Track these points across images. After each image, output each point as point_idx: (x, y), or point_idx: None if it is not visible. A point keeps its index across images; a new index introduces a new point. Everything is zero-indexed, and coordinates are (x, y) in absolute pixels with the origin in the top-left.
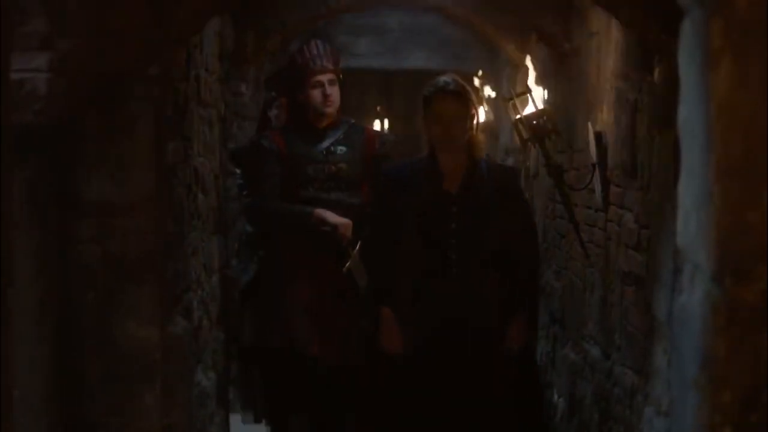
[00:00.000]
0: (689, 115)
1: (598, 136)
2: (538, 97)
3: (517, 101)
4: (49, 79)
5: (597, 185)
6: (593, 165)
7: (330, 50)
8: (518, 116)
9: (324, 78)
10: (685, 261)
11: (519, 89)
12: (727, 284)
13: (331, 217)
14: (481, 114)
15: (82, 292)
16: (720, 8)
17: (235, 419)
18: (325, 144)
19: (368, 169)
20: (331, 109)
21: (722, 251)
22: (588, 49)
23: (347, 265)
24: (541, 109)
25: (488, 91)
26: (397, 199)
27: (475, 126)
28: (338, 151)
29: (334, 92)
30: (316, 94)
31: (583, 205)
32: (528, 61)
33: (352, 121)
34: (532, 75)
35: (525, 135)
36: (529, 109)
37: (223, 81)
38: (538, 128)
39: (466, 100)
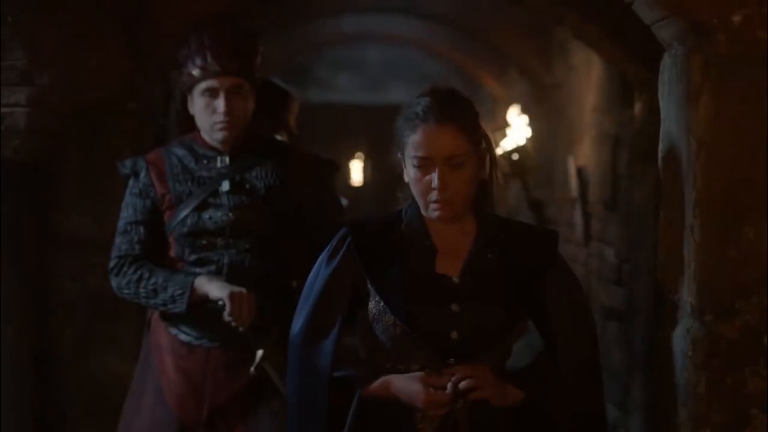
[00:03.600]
0: (669, 150)
1: (579, 171)
2: (518, 131)
3: (498, 136)
4: (29, 114)
5: (578, 220)
6: (574, 199)
7: (235, 39)
8: (499, 151)
9: (219, 84)
10: (666, 296)
11: (499, 123)
12: (708, 320)
13: (218, 288)
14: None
15: (61, 328)
16: (700, 44)
17: None
18: (224, 177)
19: (295, 215)
20: (227, 133)
21: (703, 287)
22: (568, 83)
23: (257, 361)
24: (522, 144)
25: None
26: (368, 275)
27: (488, 170)
28: (244, 188)
29: (238, 107)
30: (206, 107)
31: (564, 240)
32: (508, 96)
33: (279, 139)
34: (512, 109)
35: (506, 170)
36: (510, 144)
37: None
38: (519, 163)
39: (471, 129)
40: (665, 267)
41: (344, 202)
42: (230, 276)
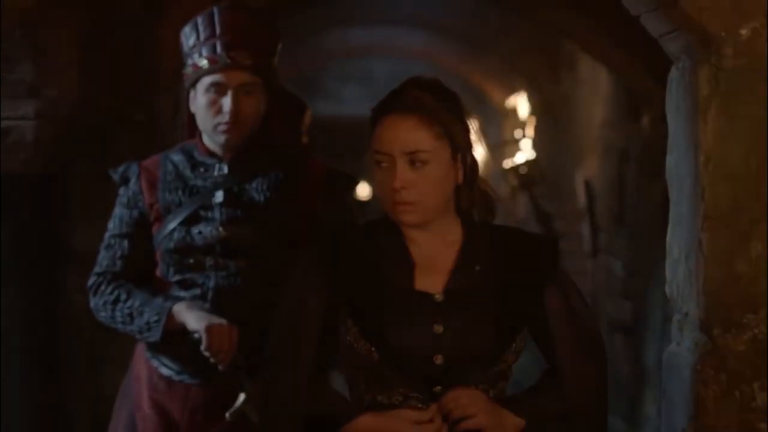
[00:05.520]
0: (677, 163)
1: (587, 184)
2: (526, 144)
3: (505, 149)
4: (36, 127)
5: (585, 232)
6: (582, 212)
7: (251, 29)
8: (506, 164)
9: (228, 79)
10: (674, 309)
11: (507, 137)
12: (716, 334)
13: (196, 318)
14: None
15: (69, 341)
16: (708, 57)
17: None
18: (220, 187)
19: (301, 235)
20: (231, 137)
21: (711, 300)
22: (576, 96)
23: (236, 405)
24: (530, 158)
25: None
26: (340, 295)
27: (468, 171)
28: (241, 200)
29: (247, 108)
30: (210, 105)
31: (571, 253)
32: (516, 108)
33: (289, 150)
34: (520, 122)
35: (513, 183)
36: (517, 157)
37: None
38: (527, 176)
39: (440, 122)
40: (673, 280)
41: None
42: (216, 302)
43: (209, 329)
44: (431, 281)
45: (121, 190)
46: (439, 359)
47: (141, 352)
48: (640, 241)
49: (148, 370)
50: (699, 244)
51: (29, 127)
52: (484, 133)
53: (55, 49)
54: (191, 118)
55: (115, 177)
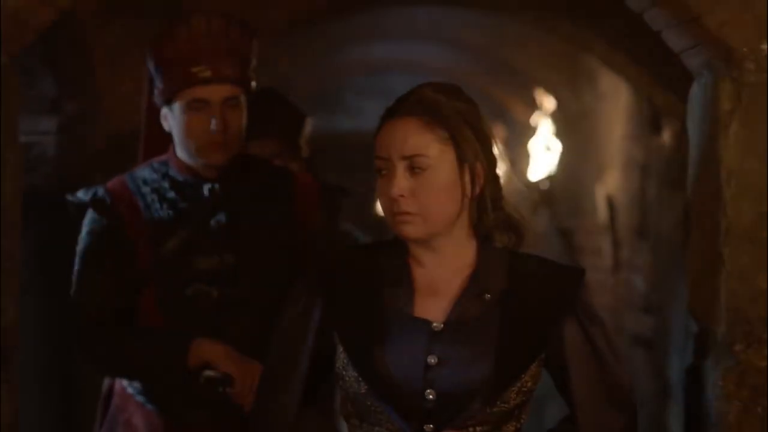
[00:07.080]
0: (699, 178)
1: (608, 199)
2: (546, 159)
3: (526, 163)
4: (57, 142)
5: (606, 248)
6: (602, 227)
7: (232, 38)
8: (526, 179)
9: (213, 94)
10: (696, 324)
11: (527, 152)
12: (738, 349)
13: (224, 357)
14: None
15: None
16: (729, 72)
17: None
18: (216, 209)
19: (300, 255)
20: (220, 156)
21: (733, 316)
22: (596, 110)
23: None
24: (550, 172)
25: None
26: (333, 320)
27: (482, 186)
28: (243, 222)
29: (234, 123)
30: (193, 123)
31: (591, 268)
32: (536, 124)
33: (274, 165)
34: (540, 137)
35: (534, 198)
36: (538, 172)
37: None
38: (547, 191)
39: (446, 126)
40: (695, 295)
41: (361, 237)
42: (230, 338)
43: (243, 371)
44: (433, 308)
45: (90, 218)
46: (431, 394)
47: (126, 396)
48: (661, 256)
49: (144, 415)
50: (721, 259)
51: (51, 142)
52: (507, 146)
53: (77, 65)
54: (154, 134)
55: (78, 202)
